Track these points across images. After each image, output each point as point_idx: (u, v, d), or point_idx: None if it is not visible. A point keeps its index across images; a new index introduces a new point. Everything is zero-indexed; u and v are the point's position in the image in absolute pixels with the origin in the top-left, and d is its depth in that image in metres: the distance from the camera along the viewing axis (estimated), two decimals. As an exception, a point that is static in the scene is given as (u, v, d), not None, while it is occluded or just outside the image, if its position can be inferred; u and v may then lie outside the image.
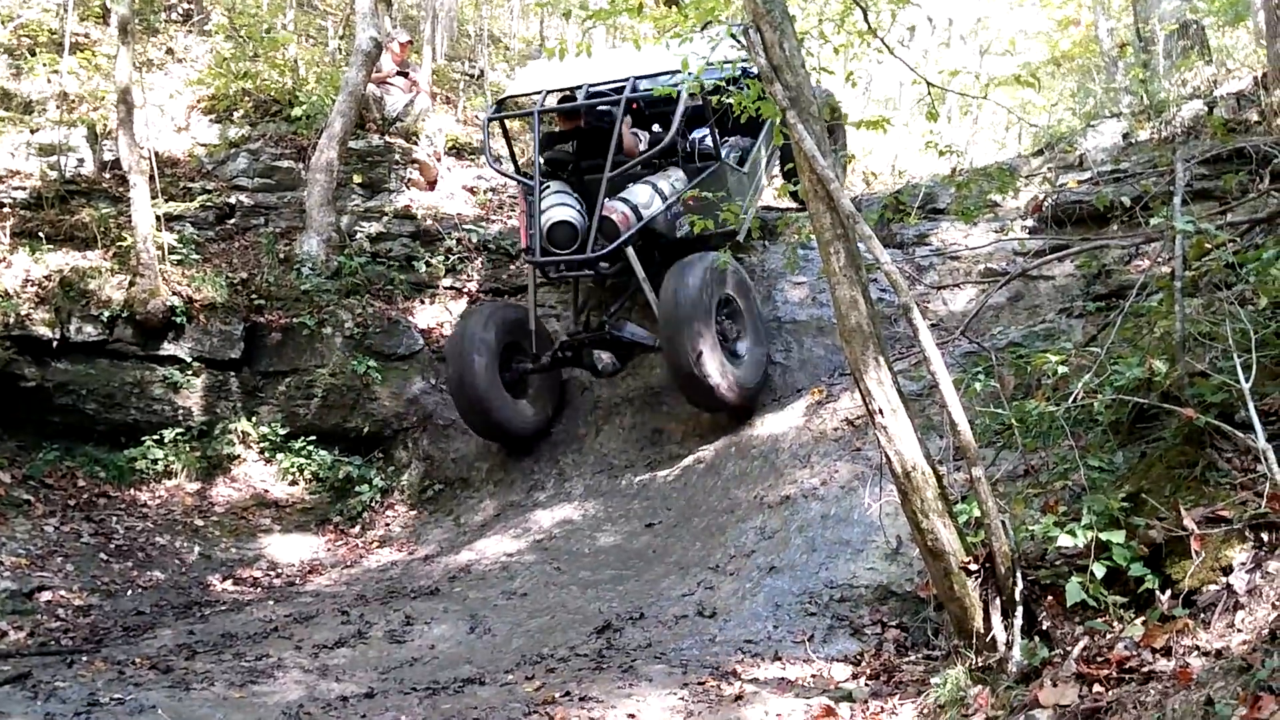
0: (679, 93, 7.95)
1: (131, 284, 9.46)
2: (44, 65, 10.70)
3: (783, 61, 4.40)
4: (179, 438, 9.33)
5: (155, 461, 9.19)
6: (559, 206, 8.58)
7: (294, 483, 9.55)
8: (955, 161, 10.51)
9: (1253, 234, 6.23)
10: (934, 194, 11.05)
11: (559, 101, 9.33)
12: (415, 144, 12.15)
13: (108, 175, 10.38)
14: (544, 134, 9.43)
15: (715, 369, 8.01)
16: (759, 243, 10.42)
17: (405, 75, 12.41)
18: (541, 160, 9.16)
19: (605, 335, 8.99)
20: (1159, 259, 6.58)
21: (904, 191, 10.81)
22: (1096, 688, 3.60)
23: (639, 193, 8.66)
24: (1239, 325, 4.59)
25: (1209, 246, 5.25)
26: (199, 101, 11.59)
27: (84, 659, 6.27)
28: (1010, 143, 19.91)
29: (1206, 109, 9.91)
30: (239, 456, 9.54)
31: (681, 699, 5.04)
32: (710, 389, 8.08)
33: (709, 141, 9.08)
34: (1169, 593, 4.01)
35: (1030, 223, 9.89)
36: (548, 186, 8.85)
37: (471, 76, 16.20)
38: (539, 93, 9.28)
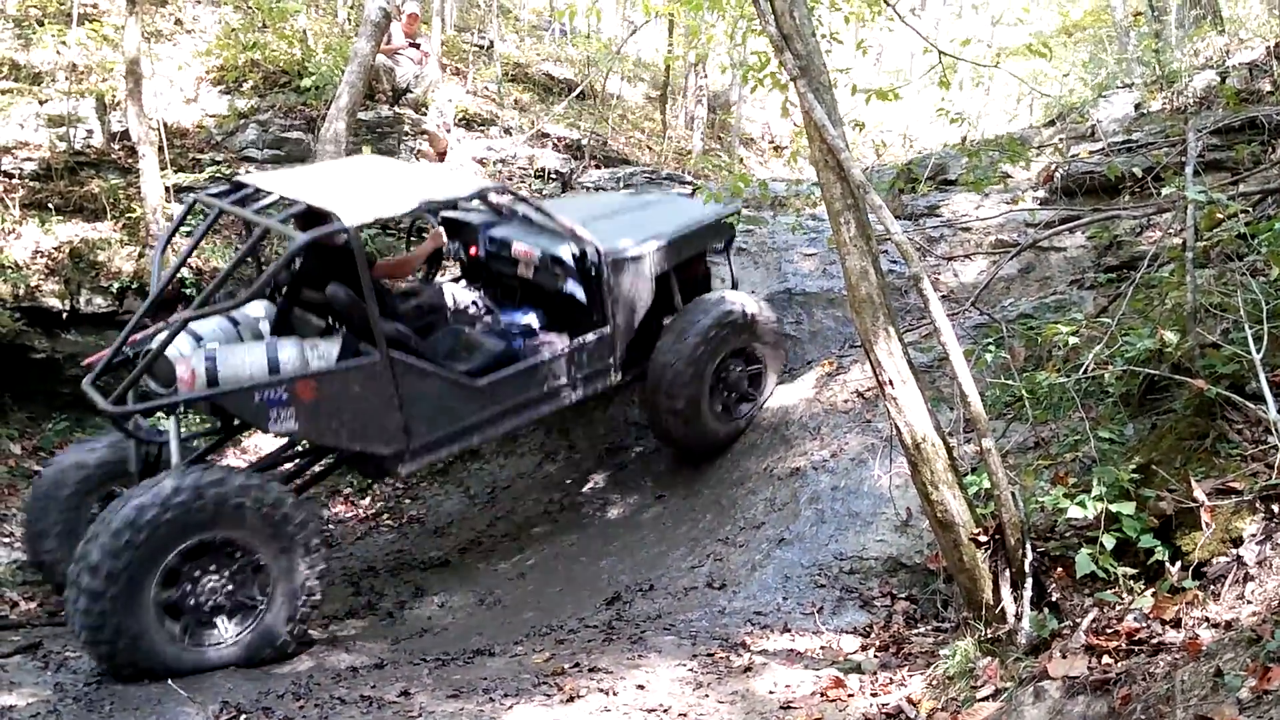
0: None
1: (141, 255, 9.47)
2: (52, 36, 10.67)
3: (793, 30, 4.37)
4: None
5: (165, 433, 9.20)
6: (185, 334, 6.05)
7: (304, 454, 9.56)
8: (966, 130, 10.47)
9: (1265, 204, 6.21)
10: (945, 165, 11.01)
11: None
12: (425, 115, 12.13)
13: (117, 147, 10.37)
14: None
15: None
16: (768, 214, 10.39)
17: (415, 46, 12.39)
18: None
19: None
20: (1170, 230, 6.55)
21: (914, 162, 10.78)
22: (1106, 659, 3.60)
23: (243, 350, 6.00)
24: (1250, 296, 4.56)
25: (1221, 217, 5.23)
26: (208, 73, 11.57)
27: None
28: (1021, 114, 19.84)
29: (1219, 79, 9.83)
30: (249, 428, 9.55)
31: (691, 670, 5.05)
32: None
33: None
34: (1179, 564, 4.00)
35: (1041, 193, 9.85)
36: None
37: (481, 47, 16.15)
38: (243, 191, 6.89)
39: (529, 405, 6.82)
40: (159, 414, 6.57)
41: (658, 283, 7.45)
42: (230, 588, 5.58)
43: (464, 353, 6.85)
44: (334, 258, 6.33)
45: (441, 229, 7.55)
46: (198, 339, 6.09)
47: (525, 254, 7.33)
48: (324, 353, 6.09)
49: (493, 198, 7.27)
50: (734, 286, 8.19)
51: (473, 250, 7.78)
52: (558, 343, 7.06)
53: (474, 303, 7.46)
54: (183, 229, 8.24)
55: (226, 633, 5.57)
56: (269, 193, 6.59)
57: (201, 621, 5.52)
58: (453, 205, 7.07)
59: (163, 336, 5.72)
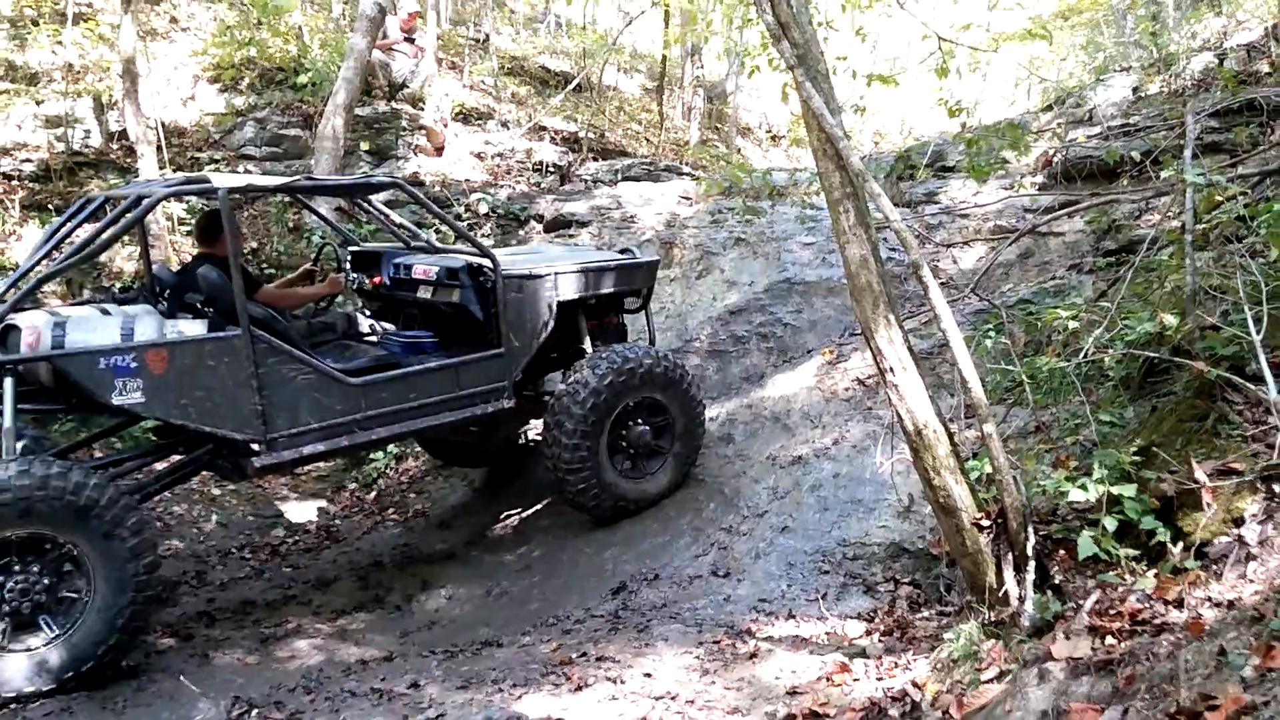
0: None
1: (142, 254, 9.47)
2: (48, 36, 10.68)
3: (789, 18, 4.37)
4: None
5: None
6: (45, 311, 5.91)
7: (309, 450, 9.58)
8: (965, 118, 10.46)
9: (1263, 186, 6.21)
10: (943, 152, 11.02)
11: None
12: (422, 110, 12.13)
13: (115, 146, 10.39)
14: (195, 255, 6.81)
15: None
16: (767, 204, 10.39)
17: (411, 41, 12.38)
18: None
19: None
20: (1169, 213, 6.56)
21: (913, 150, 10.79)
22: (1109, 640, 3.61)
23: (97, 321, 5.75)
24: (1250, 278, 4.58)
25: (1220, 199, 5.24)
26: (204, 70, 11.57)
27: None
28: (1019, 99, 19.81)
29: (1217, 61, 9.84)
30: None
31: (697, 657, 5.08)
32: None
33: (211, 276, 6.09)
34: (1181, 545, 4.02)
35: (1040, 179, 9.86)
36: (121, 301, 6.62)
37: (477, 41, 16.14)
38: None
39: (409, 414, 6.52)
40: None
41: (563, 317, 7.24)
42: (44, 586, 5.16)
43: (346, 360, 6.59)
44: (219, 266, 6.11)
45: (340, 276, 7.30)
46: (57, 316, 5.72)
47: (424, 273, 7.14)
48: (183, 330, 5.81)
49: (377, 197, 7.04)
50: (651, 342, 7.84)
51: (376, 280, 7.53)
52: (447, 359, 6.81)
53: (370, 326, 7.33)
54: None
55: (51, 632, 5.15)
56: (166, 180, 6.46)
57: (21, 625, 5.12)
58: (331, 192, 6.77)
59: (9, 303, 5.48)
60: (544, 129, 13.60)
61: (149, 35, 11.45)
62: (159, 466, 6.79)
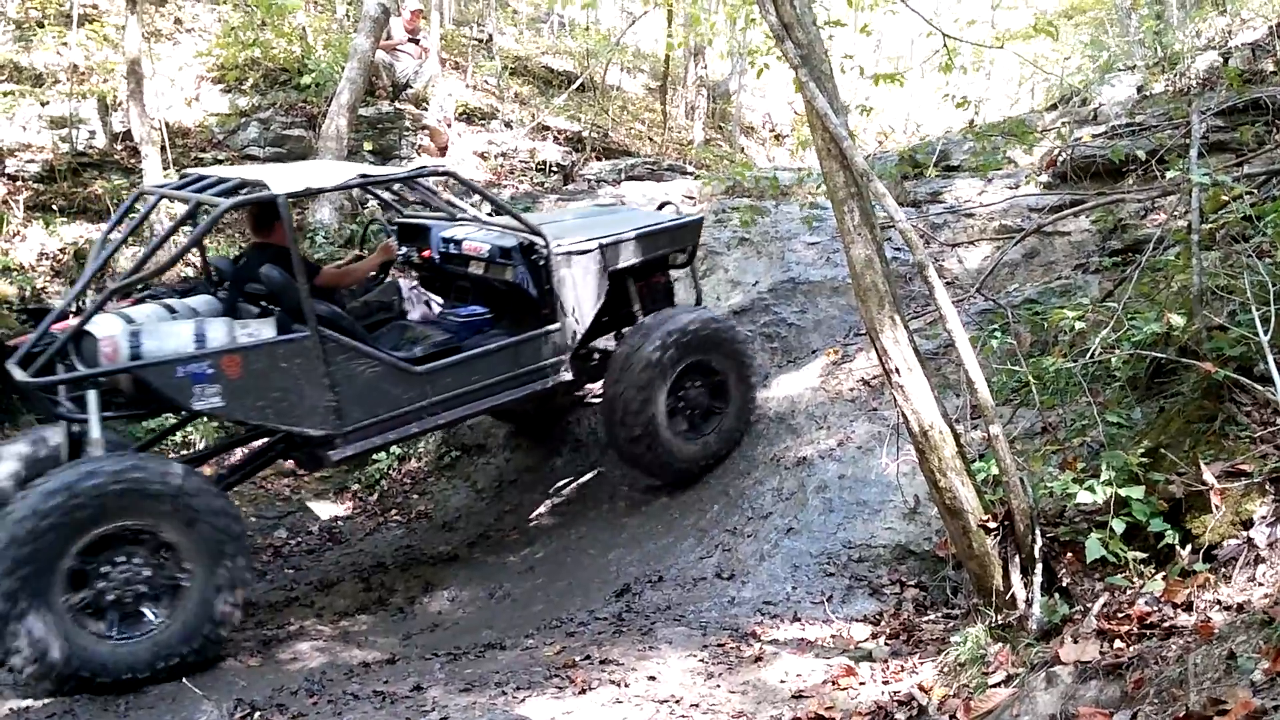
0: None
1: (145, 256, 9.47)
2: (53, 37, 10.69)
3: (793, 19, 4.35)
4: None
5: (174, 432, 9.22)
6: (117, 315, 5.85)
7: (312, 452, 9.57)
8: (972, 114, 10.45)
9: (1270, 185, 6.18)
10: (948, 151, 11.00)
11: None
12: (425, 110, 12.13)
13: (119, 147, 10.40)
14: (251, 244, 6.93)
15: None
16: (771, 203, 10.37)
17: (415, 41, 12.38)
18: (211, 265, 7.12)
19: None
20: (1175, 212, 6.53)
21: (918, 149, 10.77)
22: (1117, 643, 3.59)
23: (169, 327, 5.82)
24: (1257, 278, 4.55)
25: (1226, 199, 5.22)
26: (208, 71, 11.57)
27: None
28: (1023, 98, 19.79)
29: (1222, 60, 9.81)
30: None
31: (702, 660, 5.06)
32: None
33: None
34: (1189, 547, 3.99)
35: (1045, 178, 9.83)
36: (181, 292, 6.77)
37: (480, 41, 16.14)
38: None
39: (473, 396, 6.65)
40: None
41: (613, 283, 7.31)
42: (147, 574, 5.35)
43: (408, 345, 6.77)
44: (275, 256, 6.26)
45: (393, 241, 7.45)
46: (128, 321, 5.86)
47: (475, 249, 7.26)
48: (254, 332, 5.90)
49: (430, 182, 7.22)
50: (698, 300, 8.06)
51: (425, 253, 7.70)
52: (505, 336, 6.92)
53: (426, 304, 7.40)
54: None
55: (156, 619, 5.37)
56: (209, 177, 6.52)
57: (125, 615, 5.32)
58: (389, 185, 6.93)
59: (86, 313, 5.62)
60: (547, 129, 13.60)
61: (153, 36, 11.45)
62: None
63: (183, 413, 6.51)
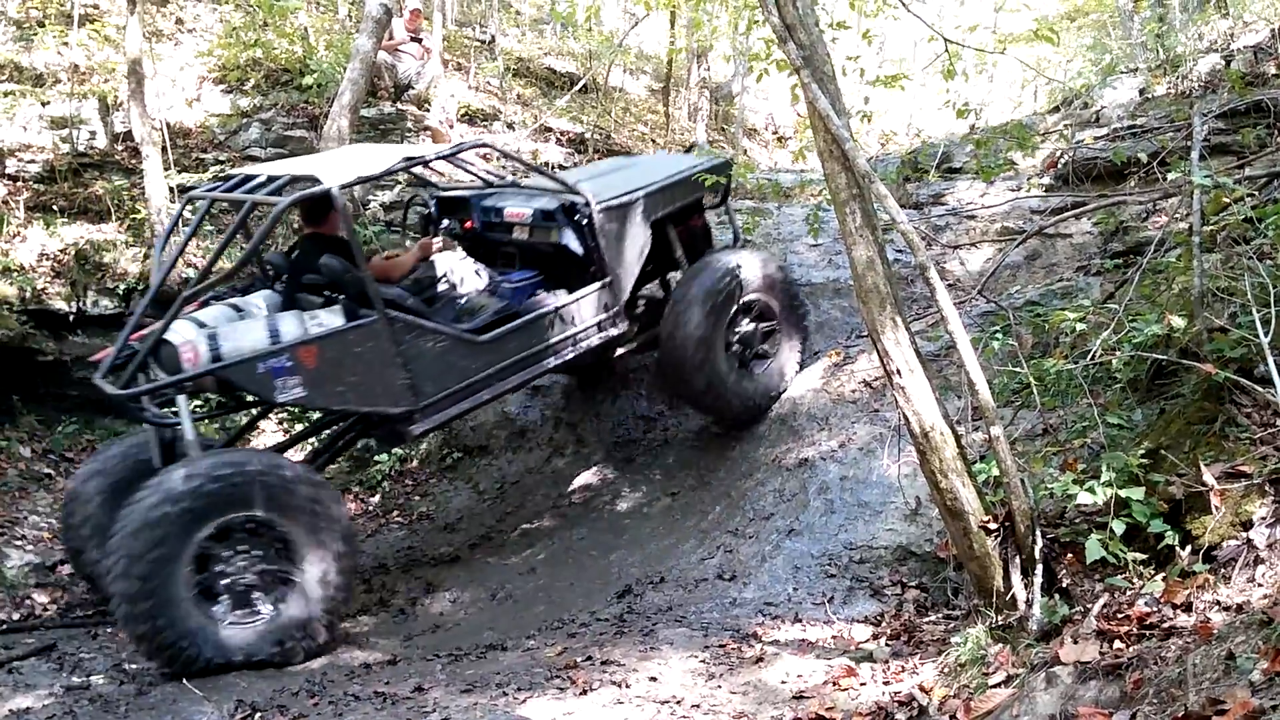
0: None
1: (146, 256, 9.48)
2: (54, 37, 10.68)
3: (795, 20, 4.36)
4: (197, 409, 9.33)
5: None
6: (188, 320, 6.06)
7: (313, 452, 9.58)
8: (973, 119, 10.43)
9: (1271, 188, 6.18)
10: (950, 153, 11.00)
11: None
12: (427, 111, 12.12)
13: (120, 147, 10.39)
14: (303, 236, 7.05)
15: None
16: (774, 205, 10.37)
17: (417, 41, 12.38)
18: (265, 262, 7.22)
19: None
20: (1177, 215, 6.52)
21: (920, 151, 10.76)
22: (1117, 644, 3.60)
23: (244, 326, 6.07)
24: (1258, 280, 4.55)
25: (1227, 201, 5.21)
26: (210, 72, 11.57)
27: (108, 631, 6.33)
28: (1026, 101, 19.78)
29: (1223, 62, 9.79)
30: (257, 427, 9.57)
31: (703, 661, 5.06)
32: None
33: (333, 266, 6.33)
34: (1189, 548, 4.00)
35: (1047, 180, 9.83)
36: (240, 290, 6.97)
37: (483, 42, 16.13)
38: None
39: (536, 358, 6.88)
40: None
41: (655, 232, 7.46)
42: (261, 566, 5.63)
43: (467, 316, 6.93)
44: (330, 246, 6.47)
45: (430, 240, 7.53)
46: (200, 325, 6.09)
47: (517, 215, 7.42)
48: (324, 322, 6.14)
49: (471, 155, 7.33)
50: (736, 239, 8.26)
51: (468, 224, 7.87)
52: (559, 297, 7.09)
53: (475, 272, 7.48)
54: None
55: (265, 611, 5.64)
56: (257, 175, 6.67)
57: (240, 602, 5.57)
58: (427, 163, 7.08)
59: (163, 322, 5.82)
60: (549, 130, 13.60)
61: (155, 36, 11.45)
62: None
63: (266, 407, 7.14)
